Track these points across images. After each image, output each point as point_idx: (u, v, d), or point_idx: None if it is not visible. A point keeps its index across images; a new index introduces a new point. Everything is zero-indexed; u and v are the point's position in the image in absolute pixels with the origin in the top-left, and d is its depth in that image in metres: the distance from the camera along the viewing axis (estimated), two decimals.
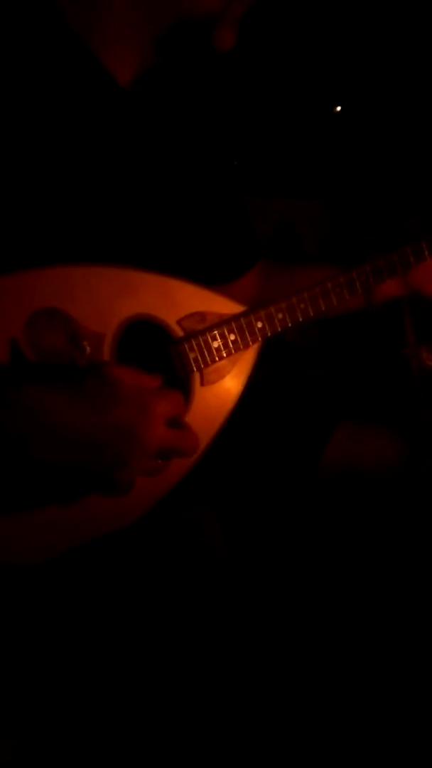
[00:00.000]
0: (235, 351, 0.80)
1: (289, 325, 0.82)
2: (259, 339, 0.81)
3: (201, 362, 0.79)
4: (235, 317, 0.81)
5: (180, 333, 0.78)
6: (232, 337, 0.80)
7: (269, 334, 0.82)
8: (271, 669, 0.87)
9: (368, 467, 1.00)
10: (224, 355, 0.80)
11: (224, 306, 0.81)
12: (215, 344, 0.79)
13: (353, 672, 0.91)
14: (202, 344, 0.79)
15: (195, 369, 0.79)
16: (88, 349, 0.73)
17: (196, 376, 0.79)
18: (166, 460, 0.72)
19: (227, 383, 0.81)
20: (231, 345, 0.80)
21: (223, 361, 0.80)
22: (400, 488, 0.99)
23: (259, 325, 0.81)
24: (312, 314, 0.83)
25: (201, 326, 0.79)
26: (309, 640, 0.92)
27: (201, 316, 0.80)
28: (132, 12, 0.75)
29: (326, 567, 0.95)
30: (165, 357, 0.78)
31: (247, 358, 0.82)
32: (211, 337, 0.79)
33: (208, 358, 0.79)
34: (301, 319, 0.83)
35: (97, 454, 0.66)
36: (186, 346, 0.78)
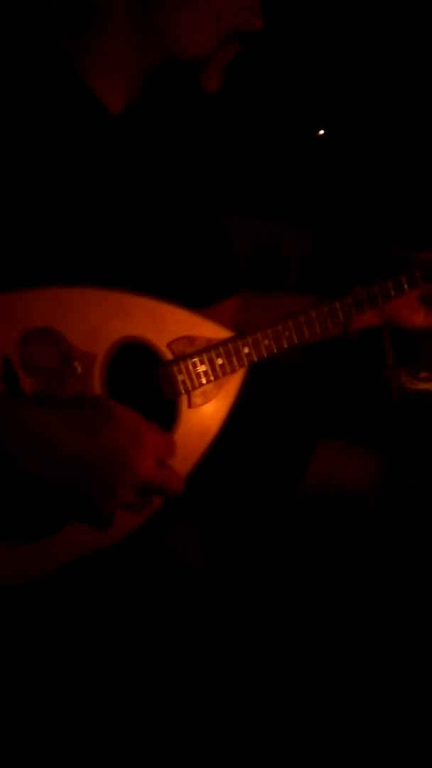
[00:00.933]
0: (222, 375, 0.83)
1: (275, 351, 0.85)
2: (246, 364, 0.84)
3: (189, 385, 0.81)
4: (223, 342, 0.83)
5: (169, 356, 0.81)
6: (220, 361, 0.83)
7: (255, 359, 0.84)
8: (248, 691, 0.89)
9: (348, 485, 1.02)
10: (211, 378, 0.82)
11: (212, 331, 0.84)
12: (203, 368, 0.82)
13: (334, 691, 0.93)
14: (191, 367, 0.81)
15: (183, 391, 0.81)
16: (79, 368, 0.75)
17: (184, 398, 0.82)
18: (148, 497, 0.73)
19: (213, 406, 0.83)
20: (218, 369, 0.83)
21: (210, 385, 0.83)
22: (379, 506, 1.01)
23: (246, 350, 0.84)
24: (296, 341, 0.86)
25: (190, 350, 0.82)
26: (290, 659, 0.94)
27: (190, 339, 0.82)
28: (126, 45, 0.78)
29: (308, 585, 0.97)
30: (154, 379, 0.81)
31: (234, 382, 0.84)
32: (199, 361, 0.82)
33: (195, 381, 0.81)
34: (285, 346, 0.86)
35: (86, 474, 0.68)
36: (175, 368, 0.81)
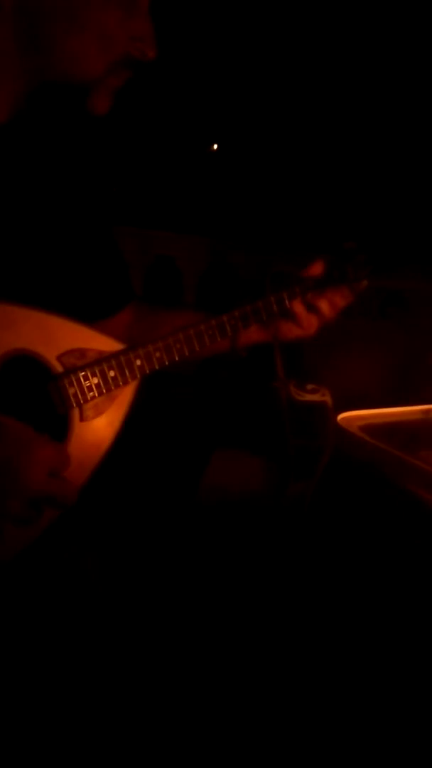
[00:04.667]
0: (115, 387, 0.83)
1: (167, 363, 0.87)
2: (138, 376, 0.85)
3: (80, 398, 0.81)
4: (115, 355, 0.83)
5: (60, 369, 0.80)
6: (112, 373, 0.83)
7: (147, 371, 0.85)
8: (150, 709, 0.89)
9: (242, 492, 1.06)
10: (104, 391, 0.82)
11: (104, 343, 0.84)
12: (95, 381, 0.82)
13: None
14: (82, 380, 0.81)
15: (74, 405, 0.81)
16: None
17: (76, 411, 0.81)
18: (38, 511, 0.72)
19: (106, 419, 0.83)
20: (110, 381, 0.83)
21: (102, 397, 0.83)
22: (272, 511, 1.06)
23: (138, 362, 0.85)
24: (187, 354, 0.88)
25: (81, 362, 0.81)
26: (199, 665, 0.95)
27: (81, 352, 0.82)
28: (12, 64, 0.77)
29: (205, 592, 0.99)
30: (44, 393, 0.79)
31: (126, 394, 0.85)
32: (90, 374, 0.81)
33: (87, 394, 0.81)
34: (177, 359, 0.87)
35: None
36: (66, 381, 0.80)
